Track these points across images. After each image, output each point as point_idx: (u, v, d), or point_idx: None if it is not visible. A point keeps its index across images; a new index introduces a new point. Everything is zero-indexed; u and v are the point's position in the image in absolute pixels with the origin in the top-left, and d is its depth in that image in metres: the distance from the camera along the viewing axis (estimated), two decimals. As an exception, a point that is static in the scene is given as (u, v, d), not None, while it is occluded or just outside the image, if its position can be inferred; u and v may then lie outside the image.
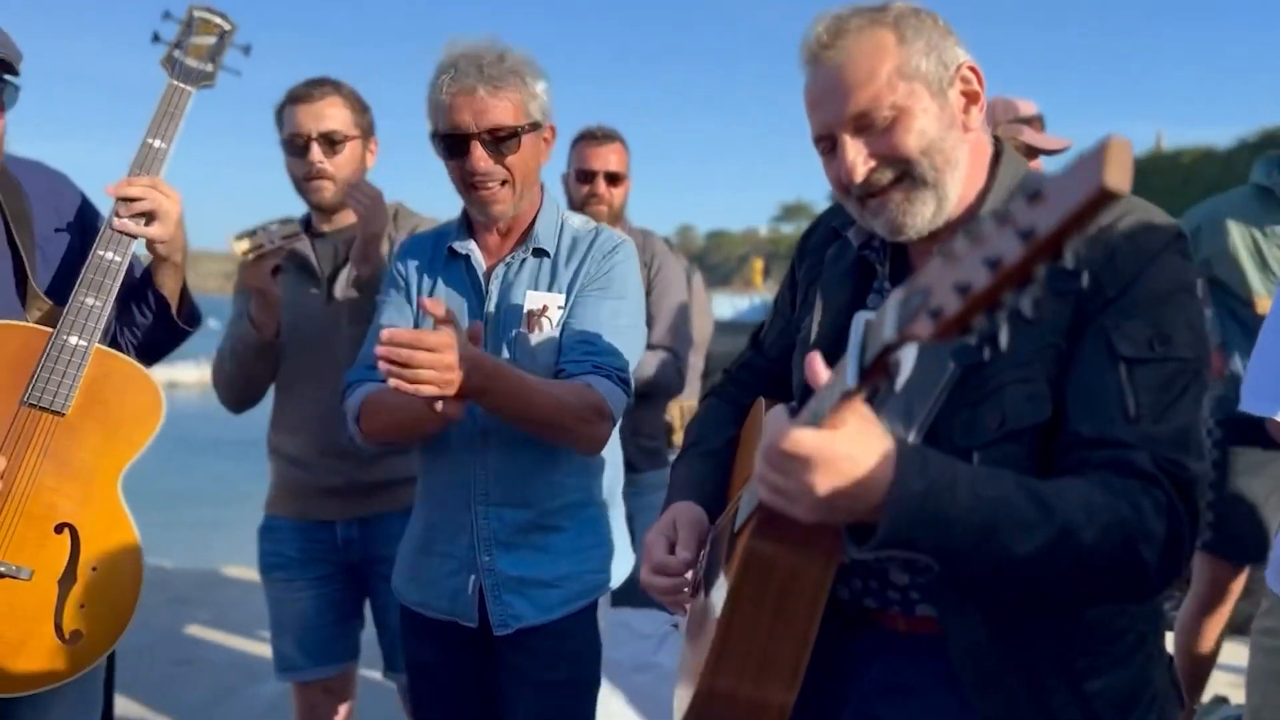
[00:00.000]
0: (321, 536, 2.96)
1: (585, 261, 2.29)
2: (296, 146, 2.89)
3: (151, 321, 2.43)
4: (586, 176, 3.76)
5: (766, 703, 1.49)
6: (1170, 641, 1.99)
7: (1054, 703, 1.47)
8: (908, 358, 1.09)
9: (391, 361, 1.90)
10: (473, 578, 2.28)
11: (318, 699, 3.07)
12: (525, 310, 2.27)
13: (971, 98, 1.57)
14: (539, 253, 2.31)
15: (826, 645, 1.56)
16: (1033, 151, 3.57)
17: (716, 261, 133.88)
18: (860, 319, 1.13)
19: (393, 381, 1.91)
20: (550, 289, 2.28)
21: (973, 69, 1.57)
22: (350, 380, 2.36)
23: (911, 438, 1.47)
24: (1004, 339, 0.99)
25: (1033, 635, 1.48)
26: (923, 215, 1.53)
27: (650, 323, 3.46)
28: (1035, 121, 3.62)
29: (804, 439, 1.21)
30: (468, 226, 2.36)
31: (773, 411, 1.29)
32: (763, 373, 1.92)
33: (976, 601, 1.48)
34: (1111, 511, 1.33)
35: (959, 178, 1.54)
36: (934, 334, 1.02)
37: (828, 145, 1.56)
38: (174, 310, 2.43)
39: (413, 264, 2.38)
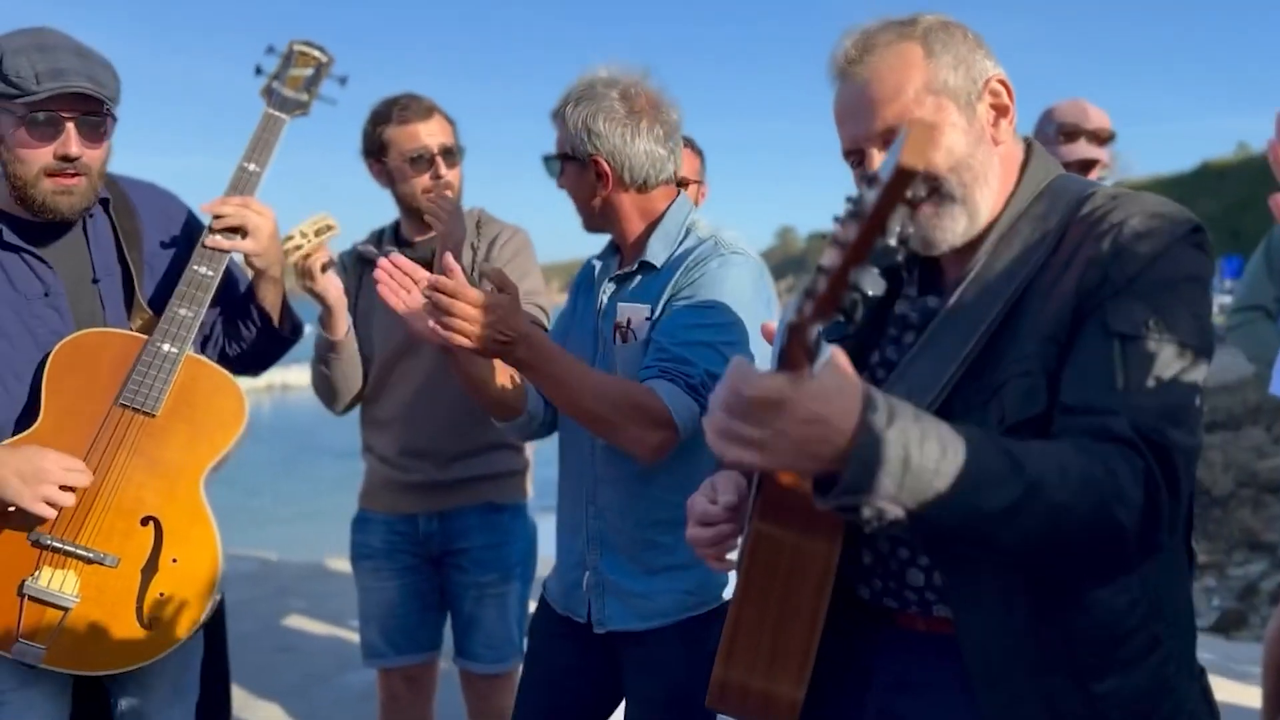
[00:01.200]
0: (405, 529, 3.12)
1: (678, 273, 2.31)
2: (423, 161, 3.02)
3: (256, 333, 2.60)
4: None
5: (777, 695, 1.50)
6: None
7: (1062, 703, 1.46)
8: (820, 335, 1.12)
9: (435, 306, 2.03)
10: (587, 574, 2.37)
11: (400, 687, 3.22)
12: (614, 322, 2.35)
13: (1001, 110, 1.58)
14: (646, 266, 2.36)
15: (850, 642, 1.59)
16: (1088, 165, 3.61)
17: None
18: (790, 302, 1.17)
19: (432, 323, 2.05)
20: (644, 301, 2.33)
21: (1002, 82, 1.58)
22: None
23: None
24: (858, 316, 1.05)
25: (1042, 634, 1.47)
26: (953, 230, 1.55)
27: None
28: (1098, 135, 3.65)
29: (770, 381, 1.19)
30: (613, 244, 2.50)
31: (731, 367, 1.25)
32: None
33: (990, 604, 1.48)
34: (1085, 472, 1.32)
35: (990, 192, 1.55)
36: (812, 314, 1.08)
37: (857, 159, 1.58)
38: (275, 321, 2.60)
39: (582, 275, 2.57)
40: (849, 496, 1.26)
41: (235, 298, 2.59)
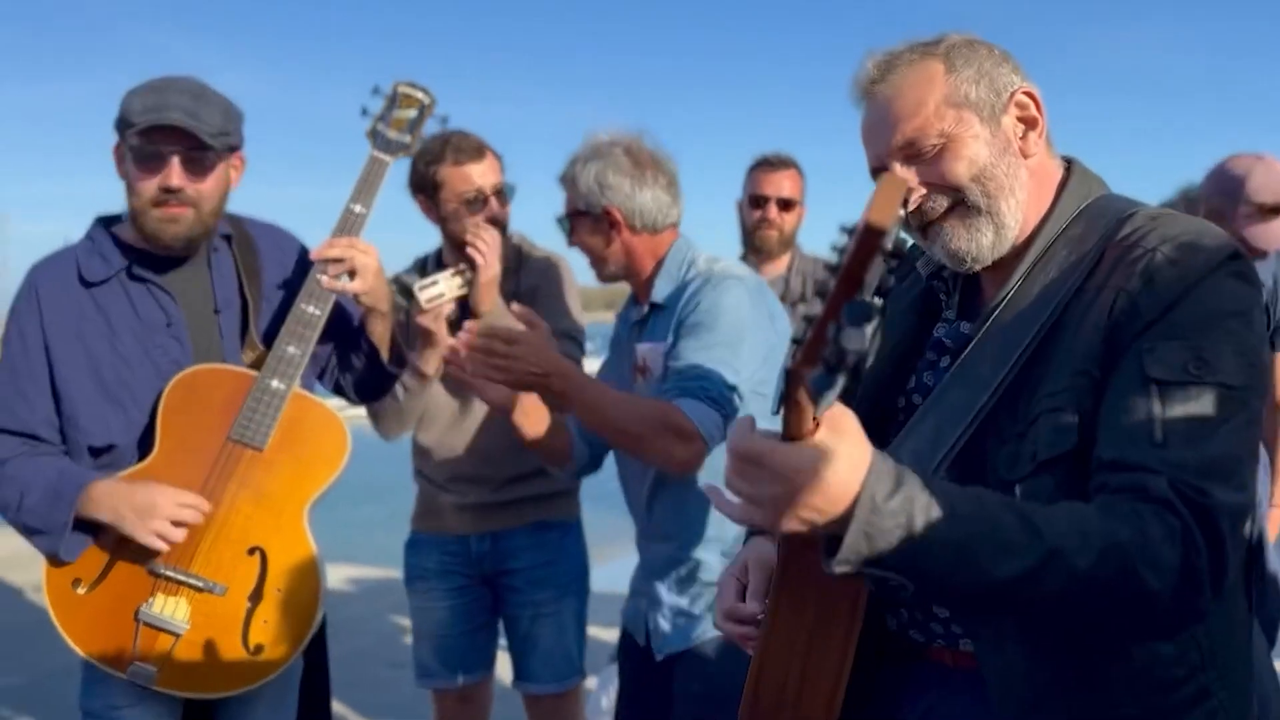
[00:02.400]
0: (457, 550, 3.20)
1: (679, 306, 2.49)
2: (477, 202, 3.07)
3: (366, 365, 2.72)
4: (759, 202, 3.84)
5: None
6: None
7: None
8: (831, 385, 1.09)
9: (480, 351, 2.22)
10: (644, 600, 2.52)
11: (454, 708, 3.29)
12: (633, 364, 2.54)
13: (1029, 123, 1.56)
14: (655, 307, 2.56)
15: (878, 676, 1.58)
16: None
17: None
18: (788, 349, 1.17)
19: (469, 368, 2.23)
20: (657, 339, 2.52)
21: (1029, 94, 1.56)
22: None
23: (937, 462, 1.46)
24: (842, 369, 1.04)
25: (1075, 678, 1.43)
26: (980, 243, 1.53)
27: None
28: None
29: (759, 443, 1.20)
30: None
31: (741, 419, 1.27)
32: None
33: (1014, 638, 1.45)
34: (1109, 536, 1.27)
35: (1017, 204, 1.53)
36: (799, 364, 1.08)
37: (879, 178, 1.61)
38: (384, 355, 2.70)
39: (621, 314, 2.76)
40: (845, 565, 1.24)
41: (348, 331, 2.69)
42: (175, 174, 2.38)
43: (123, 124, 2.40)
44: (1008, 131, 1.54)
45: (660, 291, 2.55)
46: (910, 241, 1.66)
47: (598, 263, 2.61)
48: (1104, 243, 1.48)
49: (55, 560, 2.40)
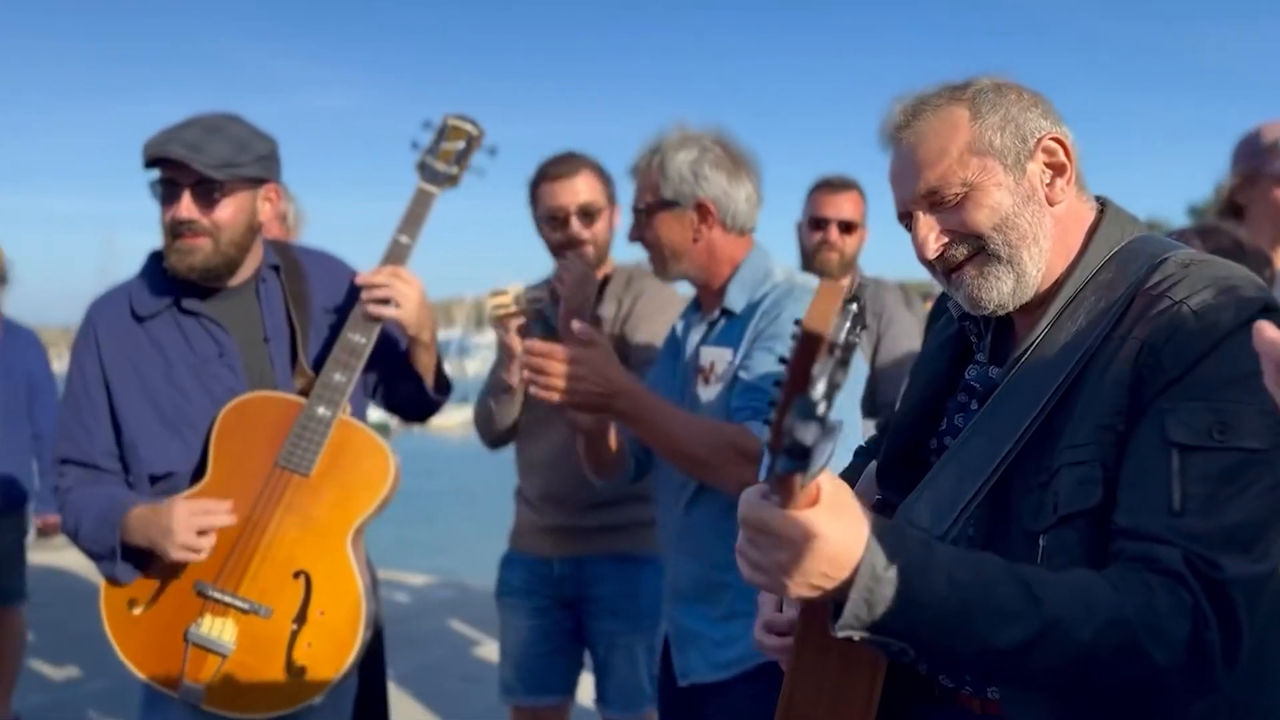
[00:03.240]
0: (542, 571, 3.24)
1: (756, 317, 2.38)
2: (558, 220, 3.15)
3: (411, 391, 2.78)
4: (819, 224, 3.80)
5: None
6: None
7: None
8: (818, 454, 1.11)
9: (530, 369, 2.18)
10: (665, 624, 2.47)
11: None
12: (696, 366, 2.43)
13: (1057, 169, 1.54)
14: (726, 313, 2.45)
15: (905, 718, 1.56)
16: None
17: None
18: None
19: (531, 388, 2.17)
20: (726, 345, 2.41)
21: (1058, 140, 1.53)
22: None
23: (957, 512, 1.46)
24: (807, 460, 1.07)
25: None
26: (999, 290, 1.52)
27: (878, 378, 3.51)
28: None
29: (765, 512, 1.23)
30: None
31: (749, 490, 1.29)
32: None
33: (1038, 695, 1.42)
34: (1113, 610, 1.27)
35: (1040, 252, 1.51)
36: (771, 445, 1.12)
37: (908, 223, 1.58)
38: (428, 383, 2.76)
39: (677, 324, 2.65)
40: (848, 630, 1.27)
41: (393, 357, 2.74)
42: (184, 206, 2.46)
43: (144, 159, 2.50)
44: (1033, 179, 1.52)
45: (735, 299, 2.44)
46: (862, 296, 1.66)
47: (671, 258, 2.47)
48: (1134, 290, 1.45)
49: (114, 582, 2.51)
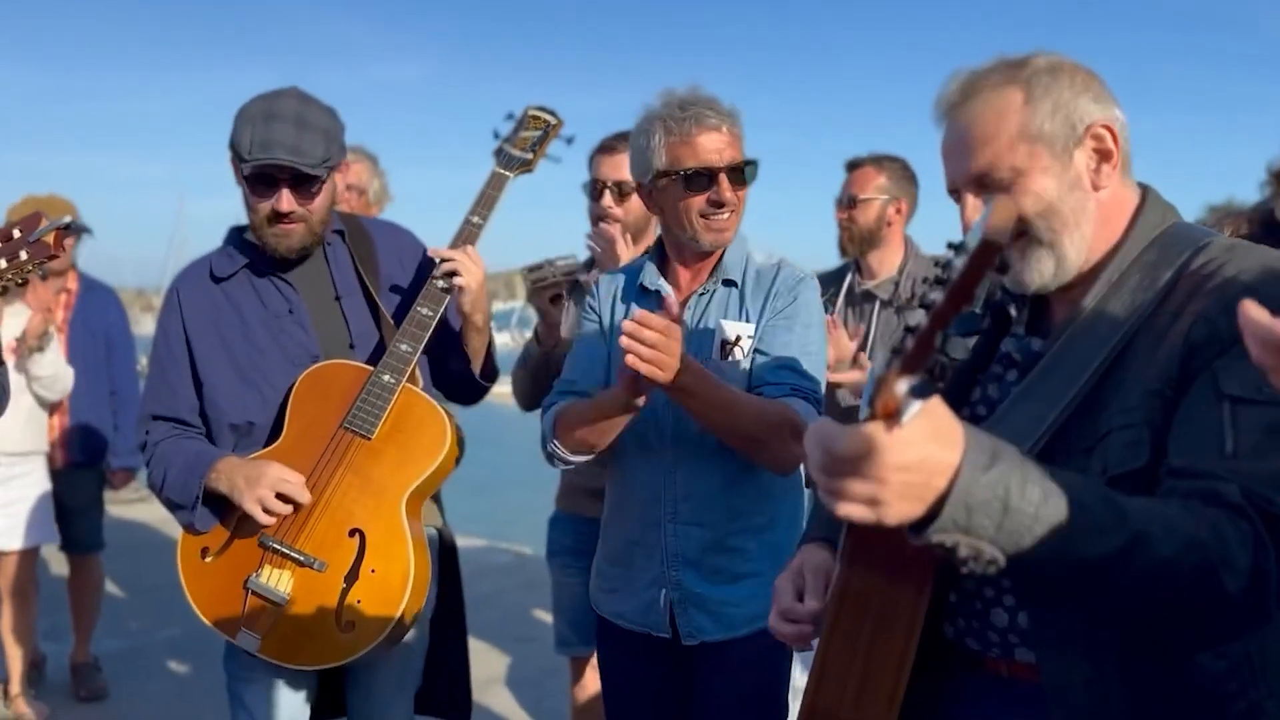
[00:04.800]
0: (589, 530, 3.27)
1: (771, 294, 2.46)
2: (596, 191, 3.32)
3: (459, 372, 2.88)
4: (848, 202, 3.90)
5: None
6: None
7: None
8: (908, 391, 1.13)
9: (634, 337, 2.17)
10: (664, 592, 2.48)
11: (587, 674, 3.53)
12: (719, 339, 2.45)
13: (1104, 156, 1.57)
14: (728, 283, 2.50)
15: (932, 683, 1.59)
16: None
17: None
18: (879, 356, 1.24)
19: (630, 358, 2.17)
20: (740, 319, 2.46)
21: (1107, 127, 1.56)
22: (546, 404, 2.59)
23: None
24: (946, 378, 1.11)
25: (1134, 689, 1.45)
26: (1040, 272, 1.56)
27: None
28: None
29: (858, 435, 1.19)
30: (661, 263, 2.57)
31: (813, 430, 1.26)
32: None
33: (1078, 649, 1.47)
34: (1191, 531, 1.30)
35: (1081, 237, 1.55)
36: (899, 371, 1.13)
37: (957, 198, 1.63)
38: (475, 367, 2.85)
39: (605, 300, 2.61)
40: (942, 534, 1.26)
41: (448, 335, 2.83)
42: (285, 201, 2.60)
43: (235, 150, 2.61)
44: (1079, 166, 1.56)
45: (732, 268, 2.50)
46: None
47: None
48: (1179, 270, 1.51)
49: (191, 530, 2.66)
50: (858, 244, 3.89)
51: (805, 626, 1.70)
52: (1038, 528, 1.27)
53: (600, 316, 2.62)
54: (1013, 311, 1.69)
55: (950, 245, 1.13)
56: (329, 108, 2.70)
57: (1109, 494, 1.34)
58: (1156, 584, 1.31)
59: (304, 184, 2.61)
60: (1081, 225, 1.56)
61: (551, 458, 2.52)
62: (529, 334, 3.52)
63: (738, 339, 2.44)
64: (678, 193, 2.43)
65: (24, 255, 2.42)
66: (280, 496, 2.54)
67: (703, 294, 2.52)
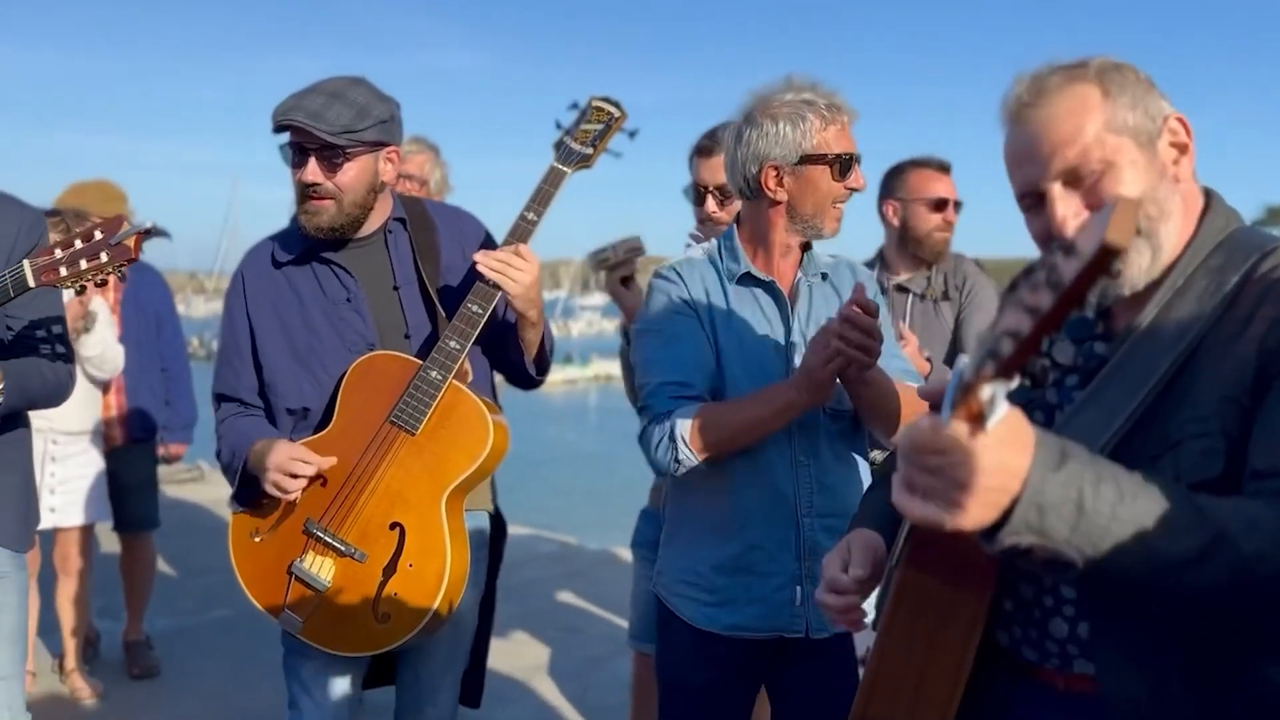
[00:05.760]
0: None
1: (844, 286, 2.58)
2: (699, 196, 3.31)
3: (512, 364, 2.90)
4: (938, 205, 3.85)
5: None
6: None
7: None
8: (999, 395, 1.12)
9: (851, 326, 2.22)
10: (799, 589, 2.47)
11: (646, 672, 3.52)
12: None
13: (1181, 149, 1.55)
14: (823, 276, 2.58)
15: (985, 692, 1.58)
16: None
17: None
18: (960, 359, 1.19)
19: (841, 346, 2.23)
20: (823, 311, 2.53)
21: (1180, 120, 1.55)
22: (659, 411, 2.45)
23: None
24: (1047, 381, 1.09)
25: (1196, 699, 1.43)
26: (1138, 265, 1.52)
27: (962, 351, 3.59)
28: None
29: (949, 435, 1.19)
30: (746, 255, 2.55)
31: (914, 424, 1.25)
32: None
33: (1139, 660, 1.46)
34: (1274, 527, 1.30)
35: (1173, 229, 1.53)
36: (993, 375, 1.10)
37: (1031, 202, 1.57)
38: (528, 360, 2.85)
39: (697, 290, 2.54)
40: (1015, 536, 1.26)
41: (502, 327, 2.84)
42: (310, 170, 2.62)
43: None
44: (1163, 157, 1.54)
45: (820, 262, 2.59)
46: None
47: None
48: (1246, 275, 1.49)
49: (239, 511, 2.74)
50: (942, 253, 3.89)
51: (851, 597, 1.70)
52: (1115, 527, 1.27)
53: (696, 309, 2.53)
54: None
55: (1054, 244, 1.08)
56: (384, 94, 2.71)
57: (1186, 493, 1.33)
58: (1244, 579, 1.31)
59: (330, 156, 2.62)
60: (1173, 216, 1.53)
61: (677, 464, 2.42)
62: (573, 322, 3.53)
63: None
64: (823, 177, 2.44)
65: (104, 257, 2.49)
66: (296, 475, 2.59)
67: (810, 285, 2.57)
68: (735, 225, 2.60)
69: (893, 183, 3.91)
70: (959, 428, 1.18)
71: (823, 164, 2.43)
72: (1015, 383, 1.12)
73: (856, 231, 2.59)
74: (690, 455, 2.39)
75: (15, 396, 2.68)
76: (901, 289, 3.85)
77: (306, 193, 2.65)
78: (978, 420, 1.16)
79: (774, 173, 2.44)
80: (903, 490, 1.27)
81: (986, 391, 1.12)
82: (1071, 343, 1.08)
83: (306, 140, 2.61)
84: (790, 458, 2.49)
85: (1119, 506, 1.27)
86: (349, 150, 2.62)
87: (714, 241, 2.63)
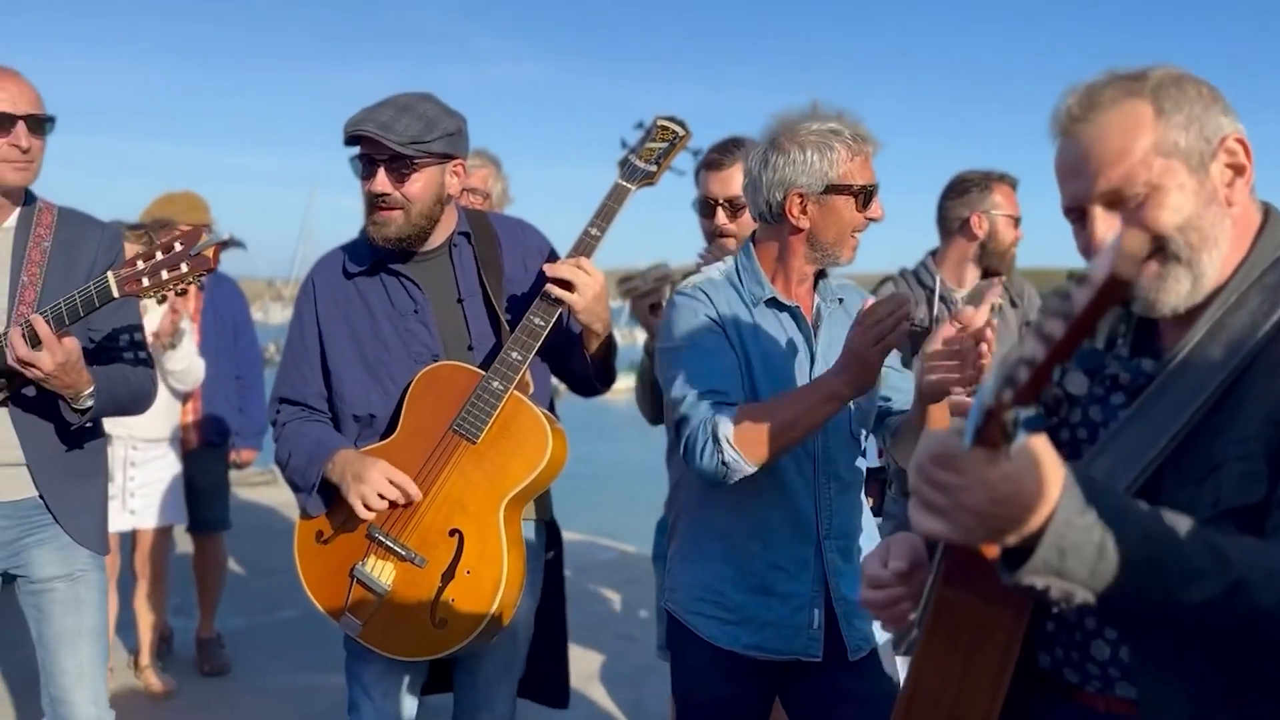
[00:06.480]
0: None
1: (854, 311, 2.52)
2: (708, 209, 3.34)
3: (577, 374, 2.95)
4: (1018, 220, 3.90)
5: None
6: None
7: None
8: (1019, 422, 1.12)
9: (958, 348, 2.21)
10: (816, 612, 2.49)
11: None
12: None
13: (1237, 170, 1.49)
14: (839, 300, 2.63)
15: (1025, 713, 1.55)
16: None
17: None
18: (985, 380, 1.18)
19: (952, 372, 2.22)
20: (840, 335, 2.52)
21: (1240, 140, 1.49)
22: (699, 417, 2.40)
23: None
24: (1061, 411, 1.10)
25: None
26: (1177, 292, 1.48)
27: None
28: None
29: (962, 453, 1.18)
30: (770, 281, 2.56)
31: (931, 438, 1.25)
32: None
33: (1181, 684, 1.42)
34: None
35: (1218, 255, 1.47)
36: (1011, 401, 1.10)
37: (1076, 216, 1.54)
38: (592, 371, 2.90)
39: (725, 310, 2.52)
40: (1034, 576, 1.25)
41: (568, 339, 2.89)
42: (379, 181, 2.69)
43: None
44: (1215, 180, 1.48)
45: (837, 288, 2.64)
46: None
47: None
48: None
49: (305, 514, 2.81)
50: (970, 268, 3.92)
51: (894, 589, 1.66)
52: (1134, 573, 1.25)
53: (725, 327, 2.52)
54: (1120, 334, 1.63)
55: (1072, 275, 1.09)
56: (451, 109, 2.77)
57: (1210, 536, 1.30)
58: (1257, 629, 1.28)
59: (398, 166, 2.68)
60: (1219, 243, 1.47)
61: (725, 468, 2.37)
62: (639, 331, 3.58)
63: None
64: (847, 207, 2.47)
65: (184, 267, 2.60)
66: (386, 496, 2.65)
67: (829, 311, 2.60)
68: (751, 246, 2.61)
69: (977, 195, 3.90)
70: (977, 454, 1.18)
71: (848, 194, 2.45)
72: (1033, 410, 1.12)
73: (863, 245, 2.62)
74: (737, 457, 2.35)
75: (104, 400, 2.81)
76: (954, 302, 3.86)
77: (375, 203, 2.71)
78: (997, 446, 1.16)
79: (799, 200, 2.45)
80: (913, 501, 1.27)
81: (1009, 417, 1.13)
82: (1084, 374, 1.08)
83: (376, 151, 2.68)
84: (811, 478, 2.53)
85: (1139, 550, 1.25)
86: (417, 161, 2.69)
87: (729, 262, 2.63)
